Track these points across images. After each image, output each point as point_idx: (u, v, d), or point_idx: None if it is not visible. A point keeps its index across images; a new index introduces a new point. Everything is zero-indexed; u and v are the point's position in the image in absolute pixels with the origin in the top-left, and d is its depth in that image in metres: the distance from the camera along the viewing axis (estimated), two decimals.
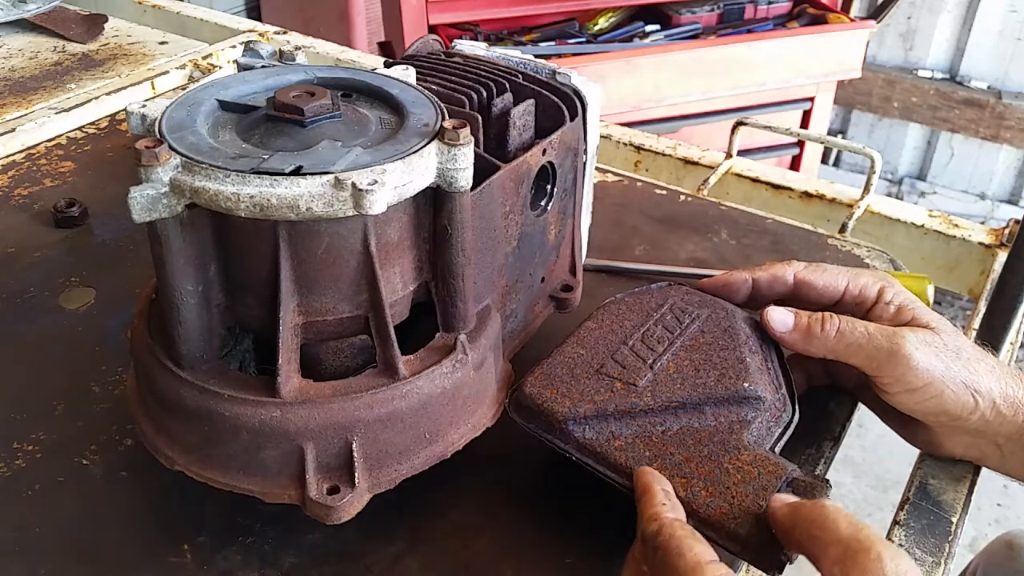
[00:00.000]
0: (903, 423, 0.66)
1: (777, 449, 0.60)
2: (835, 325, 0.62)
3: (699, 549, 0.48)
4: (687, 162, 1.13)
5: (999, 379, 0.61)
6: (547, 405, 0.60)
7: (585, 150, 0.71)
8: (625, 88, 2.25)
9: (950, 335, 0.62)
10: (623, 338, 0.64)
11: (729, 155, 1.11)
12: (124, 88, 1.22)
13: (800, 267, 0.69)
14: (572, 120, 0.68)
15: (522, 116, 0.66)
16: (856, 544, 0.46)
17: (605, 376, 0.61)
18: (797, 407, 0.63)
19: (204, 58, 1.31)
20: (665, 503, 0.53)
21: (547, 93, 0.68)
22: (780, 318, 0.64)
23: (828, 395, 0.73)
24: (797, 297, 0.69)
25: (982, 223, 1.02)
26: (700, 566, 0.47)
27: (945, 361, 0.60)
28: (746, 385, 0.60)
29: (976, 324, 0.87)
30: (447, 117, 0.57)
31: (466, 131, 0.53)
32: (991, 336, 0.85)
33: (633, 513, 0.54)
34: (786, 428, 0.61)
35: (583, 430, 0.59)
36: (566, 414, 0.59)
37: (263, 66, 0.65)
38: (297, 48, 0.68)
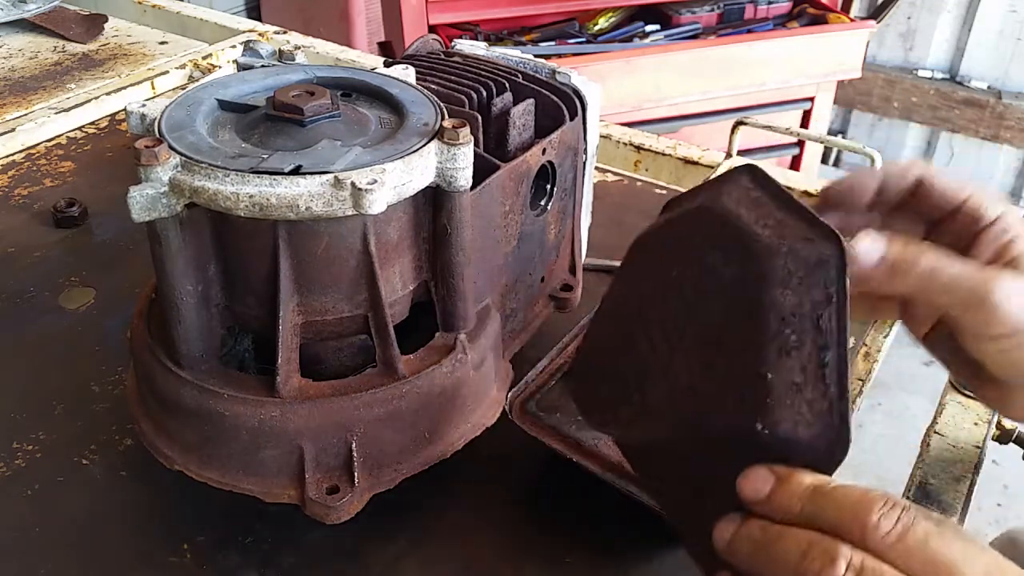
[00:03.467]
0: (976, 376, 0.58)
1: None
2: (930, 260, 0.52)
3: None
4: (687, 162, 1.13)
5: None
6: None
7: (585, 150, 0.71)
8: (625, 88, 2.25)
9: None
10: (644, 320, 0.52)
11: (729, 155, 1.11)
12: (124, 88, 1.22)
13: (924, 167, 0.59)
14: (572, 120, 0.68)
15: (522, 116, 0.66)
16: None
17: (620, 384, 0.53)
18: (851, 431, 0.45)
19: (204, 58, 1.31)
20: None
21: (547, 93, 0.68)
22: (870, 247, 0.51)
23: None
24: (914, 200, 0.58)
25: None
26: None
27: None
28: (759, 427, 0.44)
29: None
30: (447, 116, 0.57)
31: (466, 130, 0.53)
32: None
33: (635, 512, 0.54)
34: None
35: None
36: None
37: (263, 66, 0.65)
38: (297, 48, 0.68)
